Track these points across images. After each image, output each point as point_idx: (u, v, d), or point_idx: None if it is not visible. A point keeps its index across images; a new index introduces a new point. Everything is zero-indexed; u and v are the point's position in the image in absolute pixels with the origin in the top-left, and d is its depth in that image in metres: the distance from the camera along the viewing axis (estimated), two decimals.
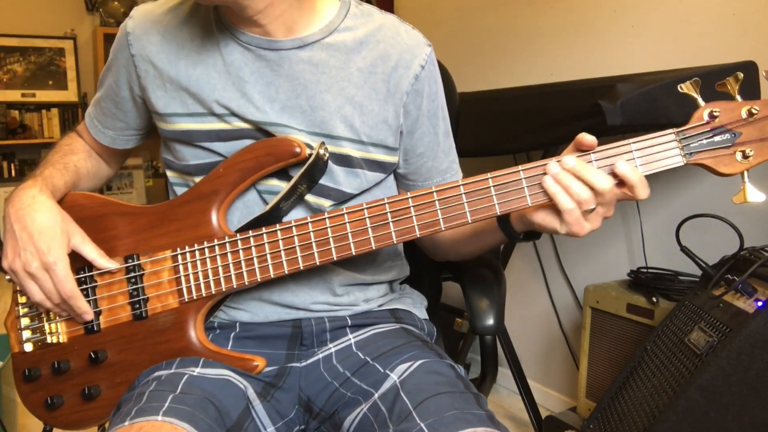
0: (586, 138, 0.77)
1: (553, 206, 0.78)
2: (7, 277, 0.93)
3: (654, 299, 1.56)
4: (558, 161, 0.77)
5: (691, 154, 0.77)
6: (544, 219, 0.79)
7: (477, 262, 1.20)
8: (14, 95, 3.74)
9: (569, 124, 1.47)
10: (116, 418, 0.74)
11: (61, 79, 3.85)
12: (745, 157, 0.77)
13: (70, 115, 3.86)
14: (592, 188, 0.75)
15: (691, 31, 1.70)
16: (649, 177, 0.77)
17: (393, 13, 1.08)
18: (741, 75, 0.76)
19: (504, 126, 1.76)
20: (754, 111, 0.76)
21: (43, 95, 3.80)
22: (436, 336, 1.07)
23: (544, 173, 0.77)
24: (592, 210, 0.76)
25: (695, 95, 0.77)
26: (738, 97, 0.77)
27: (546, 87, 1.87)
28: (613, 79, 1.55)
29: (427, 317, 1.06)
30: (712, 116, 0.77)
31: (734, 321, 1.14)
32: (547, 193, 0.77)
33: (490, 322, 1.08)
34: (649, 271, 1.70)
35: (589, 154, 0.77)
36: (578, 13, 2.02)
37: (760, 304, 1.12)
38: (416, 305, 1.05)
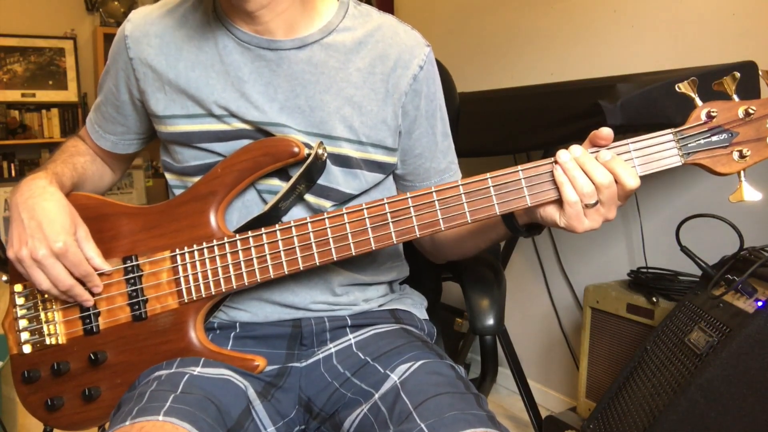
0: (603, 131, 0.77)
1: (557, 198, 0.78)
2: (4, 278, 0.93)
3: (654, 299, 1.56)
4: (567, 150, 0.78)
5: (688, 154, 0.78)
6: (545, 210, 0.80)
7: (477, 262, 1.20)
8: (14, 95, 3.74)
9: (569, 124, 1.48)
10: (117, 417, 0.74)
11: (61, 79, 3.86)
12: (742, 156, 0.77)
13: (70, 115, 3.86)
14: (592, 181, 0.76)
15: (691, 31, 1.70)
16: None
17: (393, 13, 1.08)
18: (738, 74, 0.77)
19: (504, 126, 1.76)
20: (750, 111, 0.76)
21: (43, 95, 3.80)
22: (436, 336, 1.07)
23: (549, 170, 0.78)
24: (594, 205, 0.76)
25: (693, 95, 0.78)
26: (735, 97, 0.78)
27: (546, 87, 1.87)
28: (613, 79, 1.55)
29: (427, 317, 1.06)
30: (709, 116, 0.77)
31: (734, 321, 1.14)
32: (554, 182, 0.78)
33: (490, 322, 1.08)
34: (649, 271, 1.70)
35: (599, 151, 0.77)
36: (578, 13, 2.02)
37: (760, 304, 1.12)
38: (416, 305, 1.05)
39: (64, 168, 0.95)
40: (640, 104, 1.36)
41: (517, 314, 2.36)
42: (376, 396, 0.81)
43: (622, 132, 1.37)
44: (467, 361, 2.46)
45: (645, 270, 1.72)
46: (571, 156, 0.77)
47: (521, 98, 1.83)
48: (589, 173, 0.76)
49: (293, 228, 0.83)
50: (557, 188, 0.77)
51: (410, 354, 0.85)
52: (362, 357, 0.89)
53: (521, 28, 2.24)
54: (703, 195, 1.70)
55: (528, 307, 2.34)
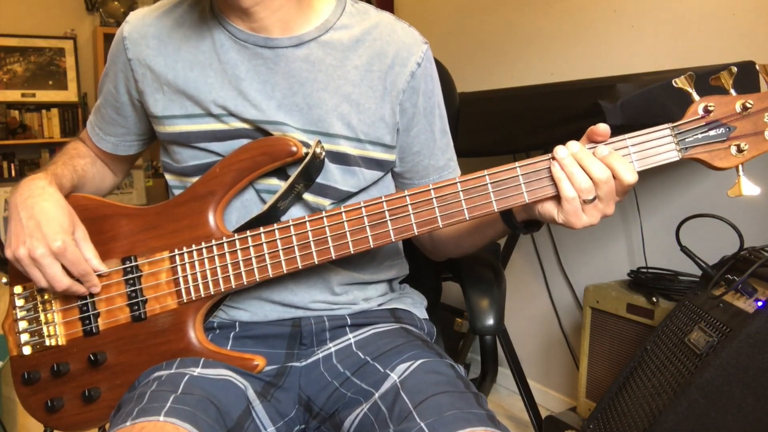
0: (600, 128, 0.77)
1: (555, 195, 0.78)
2: (4, 280, 0.93)
3: (654, 299, 1.56)
4: (564, 146, 0.78)
5: (686, 148, 0.77)
6: (543, 206, 0.80)
7: (477, 262, 1.20)
8: (14, 95, 3.74)
9: (569, 124, 1.47)
10: (117, 418, 0.74)
11: (61, 79, 3.86)
12: (739, 150, 0.77)
13: (70, 115, 3.86)
14: (590, 177, 0.75)
15: (691, 31, 1.70)
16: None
17: (393, 12, 1.08)
18: (734, 69, 0.76)
19: (504, 126, 1.76)
20: (748, 105, 0.76)
21: (43, 95, 3.80)
22: (436, 336, 1.07)
23: (546, 167, 0.78)
24: (592, 201, 0.76)
25: (690, 90, 0.78)
26: (732, 91, 0.77)
27: (546, 87, 1.86)
28: (613, 79, 1.55)
29: (427, 317, 1.06)
30: (706, 111, 0.77)
31: (734, 321, 1.14)
32: (552, 179, 0.77)
33: (490, 322, 1.08)
34: (649, 271, 1.70)
35: (596, 147, 0.77)
36: (578, 13, 2.02)
37: (760, 304, 1.12)
38: (416, 305, 1.05)
39: (64, 169, 0.95)
40: (640, 104, 1.36)
41: (517, 314, 2.36)
42: (376, 395, 0.81)
43: (622, 132, 1.37)
44: (467, 361, 2.46)
45: (645, 270, 1.72)
46: (568, 152, 0.77)
47: (521, 98, 1.83)
48: (586, 169, 0.76)
49: (292, 227, 0.83)
50: (555, 184, 0.77)
51: (410, 353, 0.85)
52: (362, 356, 0.89)
53: (521, 28, 2.24)
54: (703, 195, 1.70)
55: (528, 307, 2.34)
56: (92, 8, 3.95)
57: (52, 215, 0.85)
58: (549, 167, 0.78)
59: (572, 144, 0.77)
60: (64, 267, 0.85)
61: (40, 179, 0.89)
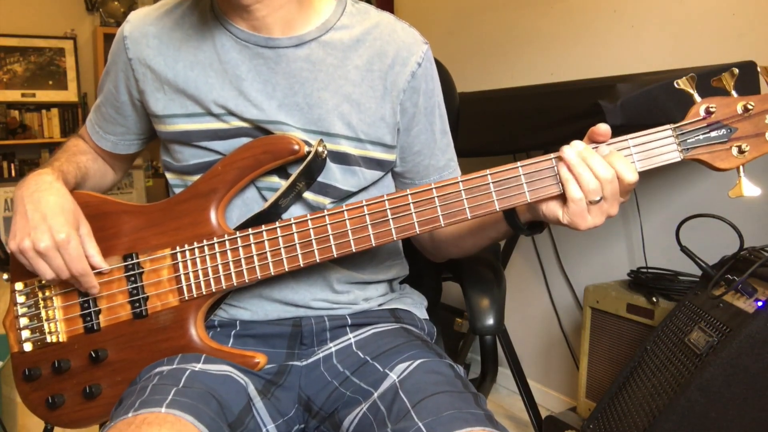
0: (601, 128, 0.77)
1: (558, 194, 0.78)
2: (5, 276, 0.93)
3: (654, 299, 1.56)
4: (570, 146, 0.77)
5: (687, 149, 0.78)
6: (547, 207, 0.80)
7: (477, 262, 1.20)
8: (14, 95, 3.75)
9: (569, 124, 1.48)
10: (119, 410, 0.74)
11: (61, 79, 3.86)
12: (740, 152, 0.77)
13: (70, 115, 3.87)
14: (596, 177, 0.75)
15: (691, 31, 1.71)
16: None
17: (393, 12, 1.08)
18: (736, 71, 0.77)
19: (504, 126, 1.76)
20: (749, 106, 0.77)
21: (43, 95, 3.81)
22: (436, 336, 1.07)
23: (549, 166, 0.78)
24: (598, 202, 0.76)
25: (691, 91, 0.78)
26: (733, 93, 0.78)
27: (546, 87, 1.87)
28: (613, 79, 1.55)
29: (427, 317, 1.06)
30: (708, 112, 0.77)
31: (734, 321, 1.14)
32: (556, 179, 0.77)
33: (490, 322, 1.08)
34: (649, 271, 1.70)
35: (598, 147, 0.78)
36: (578, 13, 2.02)
37: (760, 304, 1.12)
38: (416, 305, 1.05)
39: (68, 166, 0.95)
40: (640, 104, 1.36)
41: (517, 314, 2.36)
42: (375, 395, 0.81)
43: (622, 132, 1.37)
44: (467, 361, 2.46)
45: (645, 270, 1.72)
46: (575, 152, 0.76)
47: (521, 98, 1.83)
48: (592, 168, 0.75)
49: (293, 225, 0.83)
50: (559, 184, 0.77)
51: (409, 353, 0.85)
52: (362, 356, 0.89)
53: (521, 28, 2.24)
54: (703, 195, 1.71)
55: (528, 307, 2.34)
56: (92, 8, 3.96)
57: (59, 209, 0.85)
58: (552, 167, 0.78)
59: (577, 143, 0.77)
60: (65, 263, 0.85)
61: (47, 174, 0.89)
